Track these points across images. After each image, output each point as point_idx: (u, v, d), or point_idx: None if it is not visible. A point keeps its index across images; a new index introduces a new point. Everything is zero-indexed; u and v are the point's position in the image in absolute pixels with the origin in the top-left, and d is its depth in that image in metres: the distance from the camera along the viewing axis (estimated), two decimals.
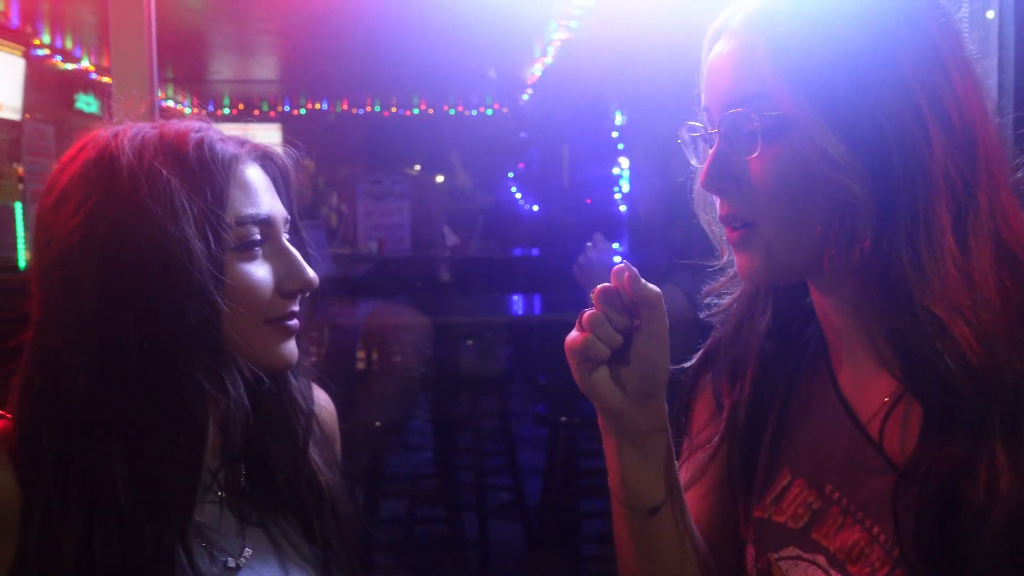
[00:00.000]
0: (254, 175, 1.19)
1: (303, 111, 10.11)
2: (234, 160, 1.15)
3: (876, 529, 1.02)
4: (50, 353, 1.10)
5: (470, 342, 5.07)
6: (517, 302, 6.23)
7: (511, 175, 10.83)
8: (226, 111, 9.93)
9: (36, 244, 1.13)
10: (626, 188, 6.44)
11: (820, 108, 0.97)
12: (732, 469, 1.18)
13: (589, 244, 3.20)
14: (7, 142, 6.14)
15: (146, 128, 1.15)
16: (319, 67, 8.40)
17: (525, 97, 8.88)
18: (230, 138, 1.19)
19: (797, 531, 1.09)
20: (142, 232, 1.07)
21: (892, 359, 1.02)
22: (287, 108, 10.11)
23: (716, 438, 1.19)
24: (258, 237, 1.16)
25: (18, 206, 6.16)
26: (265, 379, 1.17)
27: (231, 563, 1.17)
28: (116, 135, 1.13)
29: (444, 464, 4.60)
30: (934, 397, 0.97)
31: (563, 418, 3.87)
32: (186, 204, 1.09)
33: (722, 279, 1.22)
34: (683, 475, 1.22)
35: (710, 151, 1.07)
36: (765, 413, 1.17)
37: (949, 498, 0.94)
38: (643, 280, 1.06)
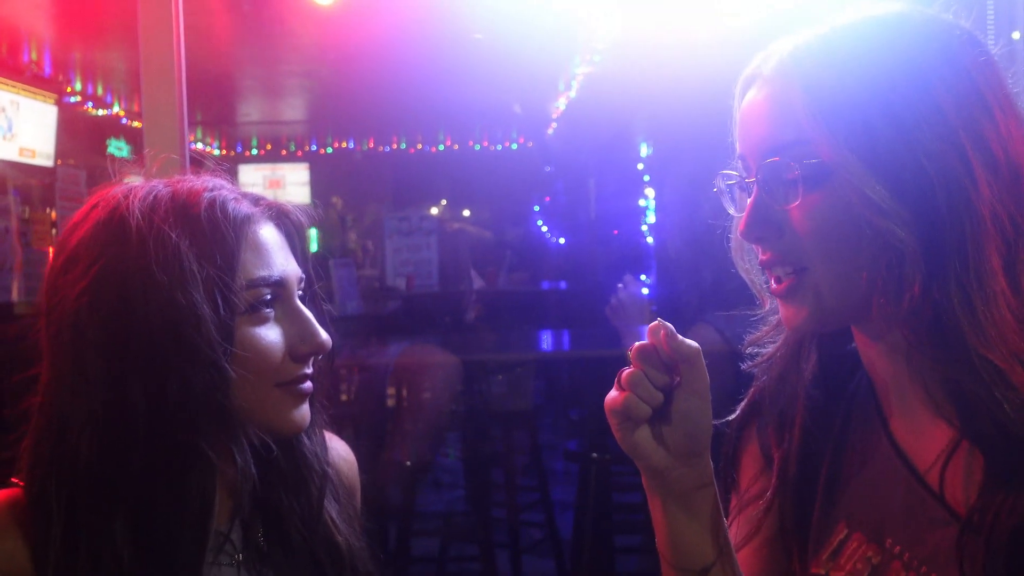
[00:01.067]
0: (268, 235, 1.16)
1: (330, 150, 10.20)
2: (247, 221, 1.13)
3: None
4: (58, 416, 1.08)
5: (500, 377, 5.06)
6: (546, 337, 6.21)
7: (537, 208, 10.86)
8: (254, 152, 10.04)
9: (46, 305, 1.11)
10: (652, 219, 6.43)
11: (860, 153, 0.95)
12: (785, 524, 1.14)
13: (620, 285, 3.17)
14: (41, 188, 6.24)
15: (159, 187, 1.13)
16: (346, 106, 8.48)
17: (550, 131, 8.91)
18: (244, 196, 1.17)
19: None
20: (149, 298, 1.05)
21: (948, 407, 0.99)
22: (314, 147, 10.21)
23: (768, 493, 1.15)
24: (269, 298, 1.13)
25: (51, 251, 6.26)
26: (273, 447, 1.15)
27: None
28: (128, 195, 1.11)
29: (476, 501, 4.57)
30: (995, 445, 0.94)
31: (595, 454, 3.84)
32: (195, 269, 1.06)
33: (765, 328, 1.19)
34: (733, 532, 1.18)
35: (748, 200, 1.05)
36: (816, 465, 1.13)
37: (1017, 549, 0.91)
38: (680, 336, 1.03)
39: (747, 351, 1.21)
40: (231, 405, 1.09)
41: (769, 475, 1.17)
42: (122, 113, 7.72)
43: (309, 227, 1.23)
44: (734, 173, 1.09)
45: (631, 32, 5.10)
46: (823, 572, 1.09)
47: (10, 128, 5.79)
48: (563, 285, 9.04)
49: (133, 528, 1.06)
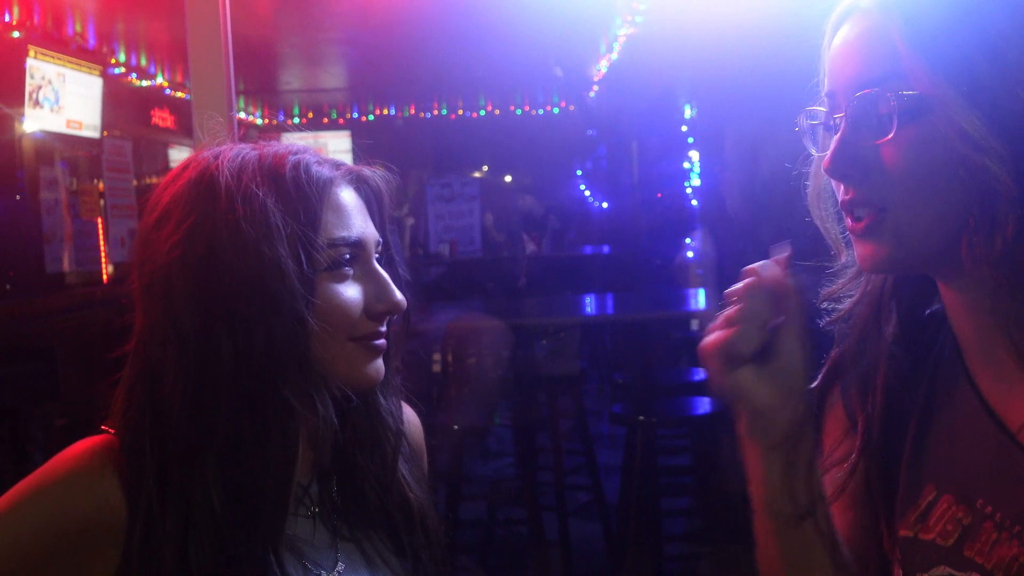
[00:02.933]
0: (348, 198, 1.21)
1: (371, 117, 10.22)
2: (328, 183, 1.18)
3: None
4: (149, 364, 1.13)
5: (544, 341, 5.07)
6: (589, 301, 6.21)
7: (579, 172, 10.82)
8: (296, 120, 10.08)
9: (138, 259, 1.16)
10: (697, 182, 6.37)
11: (959, 86, 0.92)
12: (871, 487, 1.13)
13: (689, 240, 3.14)
14: (88, 159, 6.32)
15: (246, 150, 1.19)
16: (386, 73, 8.48)
17: (592, 94, 8.85)
18: (326, 161, 1.21)
19: (947, 548, 1.03)
20: (237, 251, 1.10)
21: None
22: (355, 115, 10.23)
23: (853, 456, 1.13)
24: (348, 257, 1.18)
25: (99, 222, 6.35)
26: (353, 398, 1.19)
27: (324, 575, 1.19)
28: (217, 156, 1.17)
29: (523, 465, 4.60)
30: None
31: (641, 417, 3.84)
32: (280, 225, 1.12)
33: (840, 281, 1.17)
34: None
35: (834, 137, 1.02)
36: (902, 427, 1.12)
37: None
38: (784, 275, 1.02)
39: (822, 305, 1.19)
40: (311, 356, 1.14)
41: (853, 438, 1.15)
42: (165, 84, 7.78)
43: (388, 193, 1.27)
44: (820, 110, 1.07)
45: None
46: (912, 534, 1.07)
47: (57, 100, 5.86)
48: (606, 249, 9.02)
49: (222, 473, 1.11)
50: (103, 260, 6.35)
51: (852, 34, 1.02)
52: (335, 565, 1.21)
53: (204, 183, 1.14)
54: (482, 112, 10.16)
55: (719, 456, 4.04)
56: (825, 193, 1.11)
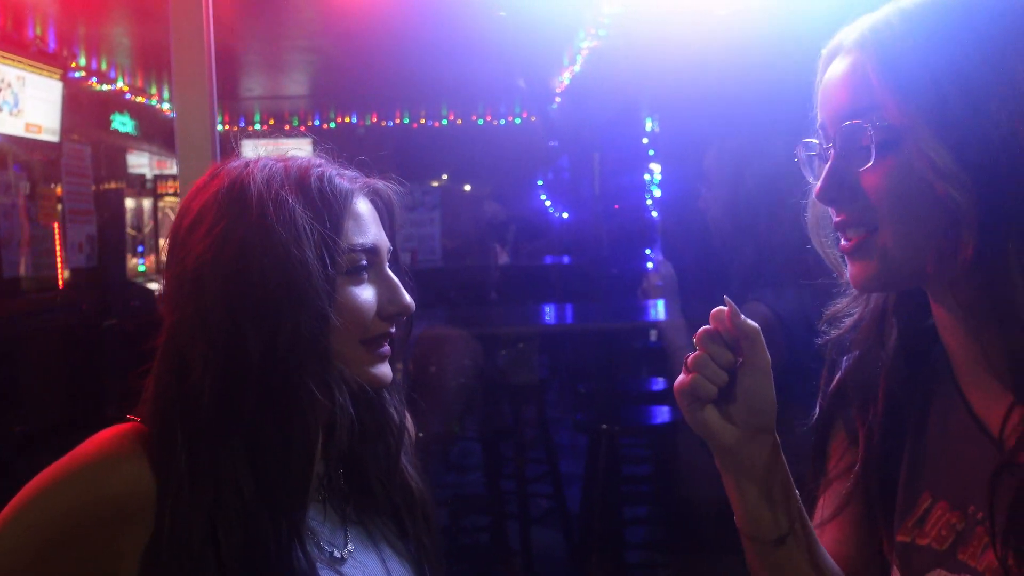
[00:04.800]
0: (364, 207, 1.31)
1: (333, 124, 10.18)
2: (350, 193, 1.28)
3: (999, 541, 1.01)
4: (180, 358, 1.21)
5: (503, 352, 5.09)
6: (549, 311, 6.24)
7: (540, 183, 10.86)
8: (257, 126, 10.03)
9: (170, 260, 1.26)
10: (658, 194, 6.44)
11: (928, 118, 0.98)
12: (871, 494, 1.18)
13: (650, 265, 3.20)
14: (47, 164, 6.24)
15: (273, 161, 1.28)
16: (348, 81, 8.47)
17: (554, 106, 8.90)
18: (345, 173, 1.32)
19: (942, 553, 1.09)
20: (267, 252, 1.20)
21: (1006, 371, 1.02)
22: (317, 122, 10.20)
23: (857, 466, 1.19)
24: (365, 263, 1.28)
25: (55, 227, 6.27)
26: (369, 390, 1.29)
27: (336, 554, 1.29)
28: (247, 165, 1.27)
29: (487, 473, 4.62)
30: None
31: (604, 425, 3.88)
32: (307, 230, 1.21)
33: (844, 301, 1.23)
34: (824, 509, 1.25)
35: (825, 166, 1.09)
36: (900, 436, 1.18)
37: None
38: (742, 316, 1.12)
39: (823, 326, 1.25)
40: (331, 351, 1.23)
41: (855, 452, 1.22)
42: (126, 88, 7.71)
43: (398, 204, 1.38)
44: (815, 142, 1.14)
45: (636, 6, 5.10)
46: (909, 539, 1.13)
47: (16, 104, 5.79)
48: (566, 259, 9.07)
49: (249, 458, 1.19)
50: (59, 265, 6.26)
51: (837, 70, 1.10)
52: (346, 545, 1.31)
53: (236, 190, 1.23)
54: (444, 121, 10.17)
55: (679, 465, 4.09)
56: (823, 220, 1.19)
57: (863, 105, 1.04)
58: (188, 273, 1.21)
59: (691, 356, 1.13)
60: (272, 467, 1.20)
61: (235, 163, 1.28)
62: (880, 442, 1.18)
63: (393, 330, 1.31)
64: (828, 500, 1.25)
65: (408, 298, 1.31)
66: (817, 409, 1.27)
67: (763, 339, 1.12)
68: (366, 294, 1.28)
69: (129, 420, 1.24)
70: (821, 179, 1.09)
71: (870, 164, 1.03)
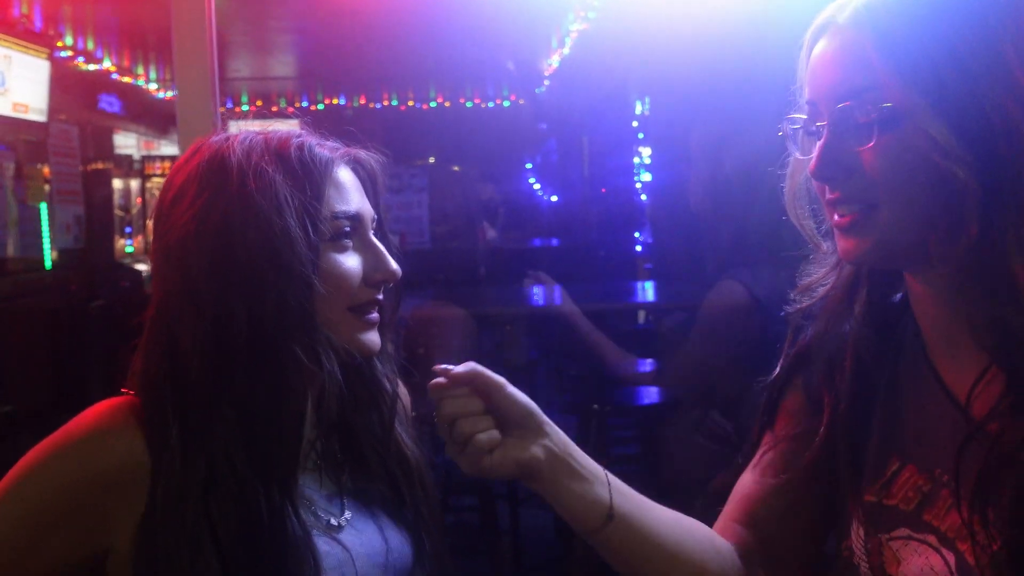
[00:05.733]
0: (346, 176, 1.32)
1: (321, 106, 10.14)
2: (330, 162, 1.29)
3: (966, 506, 1.04)
4: (168, 330, 1.23)
5: (494, 332, 5.10)
6: (538, 292, 6.24)
7: (529, 166, 10.85)
8: (244, 108, 9.99)
9: (156, 235, 1.27)
10: (647, 177, 6.46)
11: (929, 98, 1.00)
12: (839, 457, 1.21)
13: (528, 279, 3.23)
14: (34, 144, 6.21)
15: (252, 134, 1.30)
16: (336, 62, 8.43)
17: (540, 90, 8.89)
18: (325, 143, 1.33)
19: (908, 513, 1.13)
20: (250, 222, 1.21)
21: (990, 345, 1.05)
22: (305, 104, 10.15)
23: (821, 429, 1.22)
24: (348, 229, 1.29)
25: (43, 207, 6.24)
26: (357, 356, 1.30)
27: (334, 522, 1.30)
28: (227, 139, 1.28)
29: None
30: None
31: (595, 405, 3.91)
32: (288, 198, 1.22)
33: (818, 273, 1.25)
34: (762, 464, 1.29)
35: (817, 143, 1.10)
36: (868, 402, 1.21)
37: (1015, 463, 0.99)
38: (450, 367, 1.18)
39: (795, 296, 1.28)
40: (317, 319, 1.24)
41: (807, 415, 1.25)
42: (113, 68, 7.66)
43: (381, 174, 1.39)
44: (801, 117, 1.15)
45: None
46: (876, 500, 1.17)
47: (3, 83, 5.75)
48: (554, 242, 9.08)
49: (239, 427, 1.21)
50: (47, 246, 6.24)
51: (830, 47, 1.10)
52: (343, 512, 1.32)
53: (216, 162, 1.25)
54: (433, 104, 10.14)
55: (666, 445, 4.12)
56: (800, 192, 1.21)
57: (861, 83, 1.05)
58: (173, 247, 1.23)
59: (456, 428, 1.17)
60: (262, 434, 1.21)
61: (216, 137, 1.30)
62: (847, 408, 1.20)
63: (380, 297, 1.32)
64: (773, 458, 1.29)
65: (394, 264, 1.32)
66: (777, 368, 1.30)
67: (477, 367, 1.19)
68: (351, 261, 1.29)
69: (123, 393, 1.25)
70: (815, 157, 1.10)
71: (872, 143, 1.04)
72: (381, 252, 1.32)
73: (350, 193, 1.31)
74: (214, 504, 1.17)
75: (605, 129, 8.01)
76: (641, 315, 6.07)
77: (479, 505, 4.34)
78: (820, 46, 1.12)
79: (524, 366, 4.98)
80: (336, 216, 1.28)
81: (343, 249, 1.29)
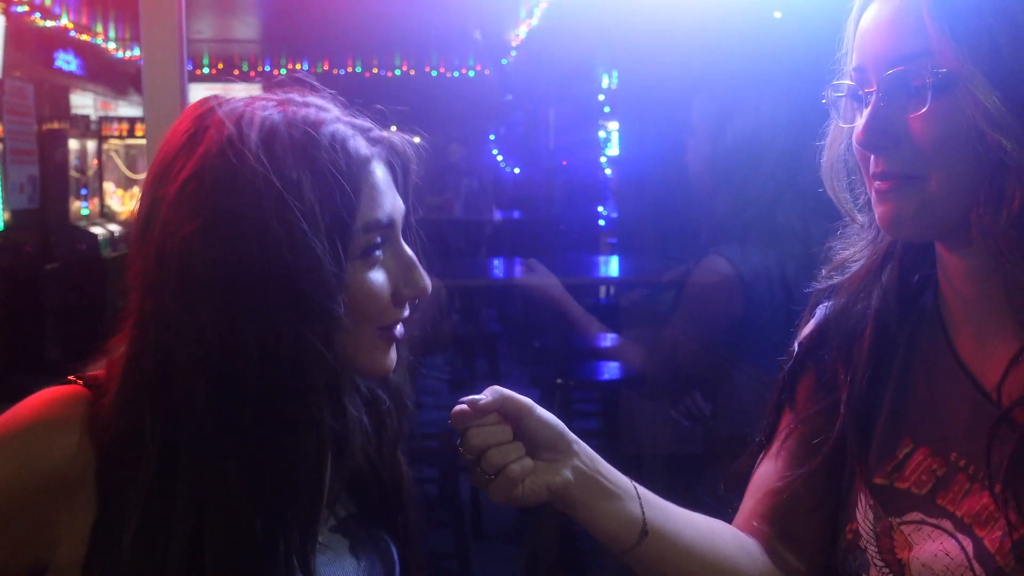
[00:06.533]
0: (380, 174, 1.10)
1: (283, 71, 10.00)
2: (367, 162, 1.07)
3: (1002, 494, 1.02)
4: (159, 354, 1.02)
5: (456, 304, 5.09)
6: (498, 264, 6.24)
7: (493, 137, 10.80)
8: (206, 70, 9.82)
9: (147, 234, 1.04)
10: (614, 151, 6.44)
11: (983, 65, 0.98)
12: (850, 436, 1.19)
13: (524, 267, 3.16)
14: None
15: (268, 110, 1.04)
16: (301, 26, 8.30)
17: (504, 61, 8.83)
18: (356, 127, 1.09)
19: (921, 497, 1.11)
20: (269, 244, 0.99)
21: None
22: (267, 68, 10.01)
23: (842, 409, 1.19)
24: (380, 240, 1.09)
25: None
26: (386, 400, 1.17)
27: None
28: (238, 119, 1.03)
29: (438, 426, 4.63)
30: None
31: (559, 380, 3.90)
32: (317, 212, 1.00)
33: (852, 249, 1.23)
34: (784, 454, 1.26)
35: (865, 111, 1.07)
36: (883, 382, 1.19)
37: None
38: (477, 398, 1.12)
39: (825, 274, 1.25)
40: (340, 355, 1.05)
41: (823, 397, 1.23)
42: (70, 25, 7.48)
43: (415, 160, 1.17)
44: (847, 83, 1.12)
45: None
46: (887, 482, 1.15)
47: None
48: (516, 214, 9.06)
49: (245, 477, 1.01)
50: (0, 206, 6.11)
51: (883, 13, 1.07)
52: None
53: (228, 160, 1.00)
54: (397, 72, 10.05)
55: (629, 420, 4.13)
56: (839, 163, 1.17)
57: (913, 50, 1.02)
58: (172, 257, 1.00)
59: (486, 460, 1.12)
60: (272, 497, 1.02)
61: (222, 109, 1.04)
62: (865, 387, 1.19)
63: (407, 313, 1.13)
64: (792, 442, 1.27)
65: (426, 279, 1.12)
66: (795, 348, 1.28)
67: (503, 392, 1.13)
68: (379, 278, 1.09)
69: (70, 382, 1.08)
70: (864, 124, 1.07)
71: (924, 109, 1.02)
72: (414, 264, 1.11)
73: (384, 196, 1.09)
74: (210, 548, 1.00)
75: (572, 102, 7.99)
76: (603, 290, 6.09)
77: (439, 477, 4.32)
78: (871, 12, 1.09)
79: (486, 337, 4.97)
80: (368, 227, 1.06)
81: (372, 264, 1.08)
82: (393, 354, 1.14)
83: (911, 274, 1.20)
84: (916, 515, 1.11)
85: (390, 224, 1.09)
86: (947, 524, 1.08)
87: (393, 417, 1.22)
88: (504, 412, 1.14)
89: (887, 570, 1.11)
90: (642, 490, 1.21)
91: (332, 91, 1.15)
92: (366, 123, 1.12)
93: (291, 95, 1.10)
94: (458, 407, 1.12)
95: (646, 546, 1.19)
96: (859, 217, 1.20)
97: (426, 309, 1.24)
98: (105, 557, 1.00)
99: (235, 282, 0.99)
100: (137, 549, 0.99)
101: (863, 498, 1.17)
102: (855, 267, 1.22)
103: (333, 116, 1.08)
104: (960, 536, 1.06)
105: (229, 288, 0.99)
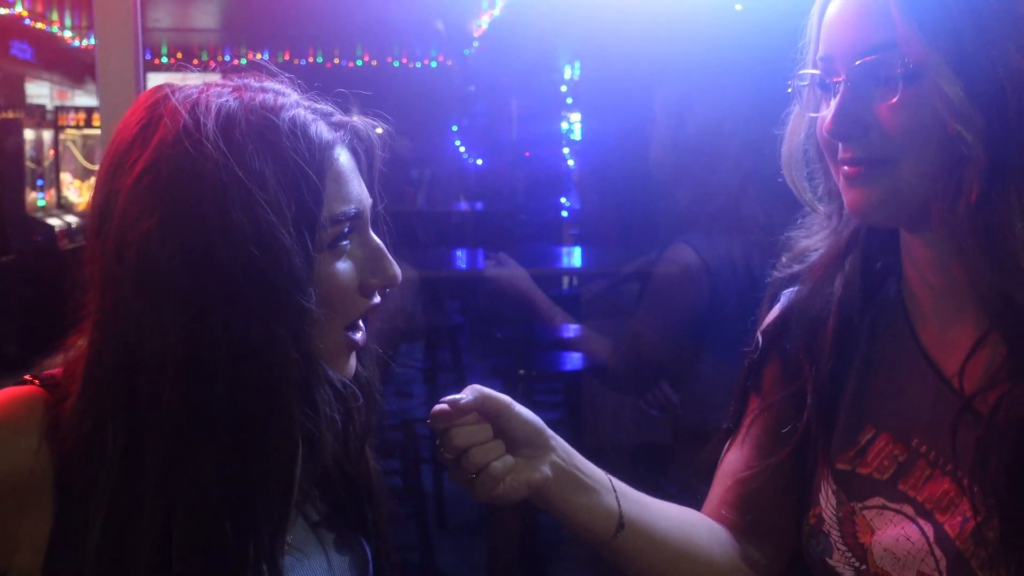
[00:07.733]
0: (345, 161, 1.07)
1: (243, 61, 9.91)
2: (330, 146, 1.03)
3: (967, 480, 1.04)
4: (123, 354, 0.98)
5: (420, 296, 5.07)
6: (461, 255, 6.23)
7: (455, 128, 10.77)
8: (164, 60, 9.69)
9: (103, 228, 1.00)
10: (576, 140, 6.45)
11: (947, 56, 0.99)
12: (813, 422, 1.21)
13: (491, 261, 3.15)
14: None
15: (226, 97, 1.01)
16: (261, 15, 8.23)
17: (467, 52, 8.81)
18: (316, 111, 1.06)
19: (883, 482, 1.13)
20: (231, 235, 0.95)
21: (986, 311, 1.05)
22: (228, 57, 9.90)
23: (809, 398, 1.21)
24: (347, 230, 1.06)
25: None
26: (359, 396, 1.13)
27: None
28: (194, 105, 0.99)
29: (400, 417, 4.63)
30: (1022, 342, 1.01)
31: (521, 371, 3.91)
32: (281, 204, 0.97)
33: (814, 238, 1.24)
34: (749, 441, 1.28)
35: (833, 100, 1.09)
36: (846, 370, 1.20)
37: (1017, 437, 0.99)
38: (457, 398, 1.13)
39: (786, 261, 1.27)
40: (312, 353, 1.02)
41: (787, 384, 1.24)
42: (25, 13, 7.35)
43: (379, 145, 1.15)
44: (814, 72, 1.13)
45: None
46: (850, 468, 1.17)
47: None
48: (479, 206, 9.05)
49: (216, 476, 0.98)
50: None
51: (849, 4, 1.08)
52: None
53: (185, 150, 0.97)
54: (359, 62, 9.99)
55: (590, 411, 4.15)
56: (798, 152, 1.19)
57: (881, 41, 1.04)
58: (131, 252, 0.96)
59: (468, 459, 1.13)
60: (245, 497, 1.00)
61: (176, 96, 1.00)
62: (828, 374, 1.20)
63: (377, 301, 1.09)
64: (757, 428, 1.29)
65: (395, 267, 1.09)
66: (759, 338, 1.30)
67: (483, 390, 1.14)
68: (346, 269, 1.05)
69: (27, 382, 1.05)
70: (832, 113, 1.08)
71: (895, 99, 1.03)
72: (382, 252, 1.09)
73: (350, 184, 1.05)
74: (177, 548, 0.97)
75: (534, 93, 7.97)
76: (565, 281, 6.09)
77: (402, 469, 4.32)
78: (837, 2, 1.10)
79: (449, 328, 4.96)
80: (336, 219, 1.03)
81: (340, 255, 1.05)
82: (352, 364, 1.12)
83: (874, 262, 1.21)
84: (878, 500, 1.13)
85: (358, 214, 1.06)
86: (908, 509, 1.09)
87: (362, 412, 1.19)
88: (484, 410, 1.14)
89: (850, 554, 1.13)
90: (617, 483, 1.23)
91: (290, 75, 1.12)
92: (327, 107, 1.09)
93: (247, 81, 1.07)
94: (438, 407, 1.12)
95: (622, 538, 1.20)
96: (819, 206, 1.22)
97: (401, 298, 1.22)
98: (66, 563, 0.97)
99: (199, 278, 0.95)
100: (102, 553, 0.96)
101: (826, 483, 1.18)
102: (815, 256, 1.24)
103: (292, 101, 1.05)
104: (921, 521, 1.07)
105: (193, 284, 0.95)
